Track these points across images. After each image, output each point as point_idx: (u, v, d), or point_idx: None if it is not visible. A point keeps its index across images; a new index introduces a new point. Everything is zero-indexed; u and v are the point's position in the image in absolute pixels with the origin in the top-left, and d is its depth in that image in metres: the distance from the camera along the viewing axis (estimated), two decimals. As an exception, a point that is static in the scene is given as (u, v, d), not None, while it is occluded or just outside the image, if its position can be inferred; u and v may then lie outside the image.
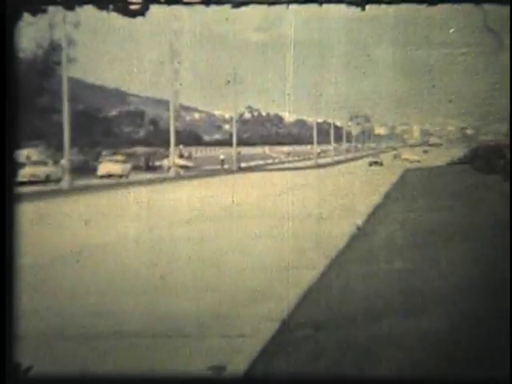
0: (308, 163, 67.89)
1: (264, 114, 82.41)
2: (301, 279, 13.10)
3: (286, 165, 70.15)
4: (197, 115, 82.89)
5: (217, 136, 79.17)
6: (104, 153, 60.86)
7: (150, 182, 46.77)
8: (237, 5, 5.79)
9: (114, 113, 73.54)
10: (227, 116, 77.65)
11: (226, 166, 63.43)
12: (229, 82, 64.79)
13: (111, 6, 5.63)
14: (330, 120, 76.67)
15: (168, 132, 58.43)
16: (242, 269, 14.47)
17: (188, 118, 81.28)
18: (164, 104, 64.42)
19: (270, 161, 75.42)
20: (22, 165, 48.48)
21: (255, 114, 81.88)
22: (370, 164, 65.31)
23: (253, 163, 69.11)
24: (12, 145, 5.13)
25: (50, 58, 60.70)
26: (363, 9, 5.76)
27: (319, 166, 64.36)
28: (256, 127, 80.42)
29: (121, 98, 73.96)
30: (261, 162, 71.74)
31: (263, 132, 79.71)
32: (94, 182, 46.76)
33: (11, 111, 5.07)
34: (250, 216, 24.62)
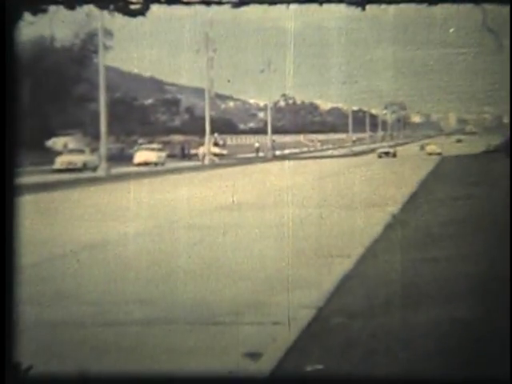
0: (343, 151, 67.70)
1: (299, 101, 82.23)
2: (336, 267, 13.15)
3: (321, 153, 69.97)
4: (232, 103, 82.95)
5: (251, 124, 79.18)
6: (140, 141, 61.19)
7: (186, 169, 46.94)
8: (237, 5, 5.81)
9: (149, 101, 73.83)
10: (262, 104, 77.61)
11: (260, 154, 63.46)
12: (263, 70, 64.72)
13: (112, 6, 5.65)
14: (365, 108, 76.29)
15: (203, 120, 58.56)
16: (277, 256, 14.53)
17: (223, 106, 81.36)
18: (199, 92, 64.54)
19: (305, 149, 75.29)
20: (60, 153, 48.96)
21: (290, 101, 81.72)
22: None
23: (287, 151, 69.02)
24: (12, 145, 5.18)
25: (87, 47, 61.04)
26: (363, 9, 5.77)
27: (354, 154, 64.12)
28: (291, 115, 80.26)
29: (157, 87, 74.21)
30: (295, 150, 71.65)
31: (298, 120, 79.56)
32: (131, 169, 47.03)
33: (11, 111, 5.12)
34: (285, 204, 24.66)
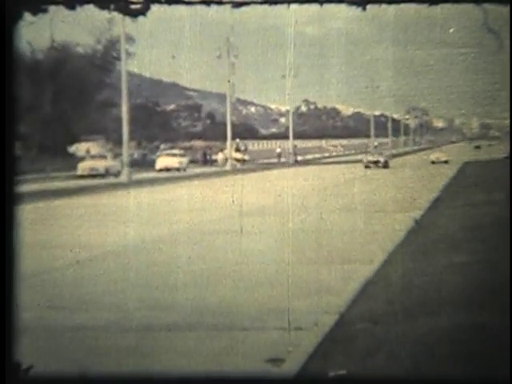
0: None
1: (320, 106, 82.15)
2: (358, 273, 13.12)
3: (343, 158, 69.85)
4: (253, 109, 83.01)
5: (273, 129, 79.20)
6: (162, 146, 61.36)
7: (208, 175, 47.00)
8: (237, 5, 5.80)
9: (171, 107, 74.04)
10: (283, 109, 77.62)
11: (282, 160, 63.46)
12: (285, 76, 64.73)
13: (112, 6, 5.65)
14: (387, 113, 76.10)
15: (225, 126, 58.67)
16: (299, 261, 14.52)
17: (244, 111, 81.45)
18: (221, 98, 64.66)
19: (327, 154, 75.22)
20: (82, 159, 49.19)
21: (311, 107, 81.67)
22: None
23: (309, 156, 69.00)
24: (12, 145, 5.17)
25: (109, 53, 61.33)
26: (364, 9, 5.75)
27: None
28: (312, 120, 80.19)
29: (178, 92, 74.42)
30: (317, 155, 71.61)
31: (319, 125, 79.48)
32: (153, 175, 47.17)
33: (11, 111, 5.11)
34: (307, 209, 24.64)
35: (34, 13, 5.45)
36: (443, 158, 53.50)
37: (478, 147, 70.46)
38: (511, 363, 6.61)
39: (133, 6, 5.73)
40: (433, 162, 52.57)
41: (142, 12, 5.74)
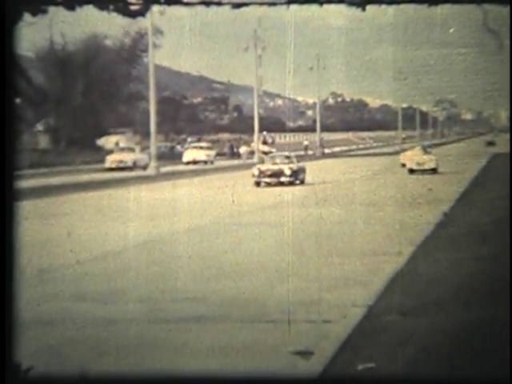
0: (392, 149, 67.26)
1: (348, 99, 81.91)
2: (387, 265, 13.09)
3: (370, 150, 69.62)
4: (280, 101, 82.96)
5: (300, 122, 79.12)
6: (189, 139, 61.50)
7: (235, 168, 47.05)
8: (236, 5, 5.79)
9: (198, 99, 74.17)
10: (310, 102, 77.48)
11: (309, 152, 63.38)
12: (312, 67, 64.61)
13: (111, 7, 5.64)
14: (415, 105, 75.76)
15: (252, 118, 58.66)
16: (327, 254, 14.52)
17: (271, 104, 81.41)
18: (248, 90, 64.69)
19: (354, 146, 75.01)
20: (110, 151, 49.41)
21: (339, 99, 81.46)
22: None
23: (336, 149, 68.83)
24: (12, 145, 5.17)
25: (137, 46, 61.49)
26: (364, 9, 5.73)
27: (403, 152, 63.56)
28: (339, 113, 79.99)
29: (206, 85, 74.52)
30: (344, 148, 71.42)
31: (347, 118, 79.26)
32: (180, 168, 47.29)
33: (11, 111, 5.12)
34: (335, 201, 24.60)
35: (34, 13, 5.46)
36: (428, 165, 38.19)
37: (491, 144, 57.86)
38: (511, 363, 6.58)
39: (132, 7, 5.74)
40: (411, 171, 37.95)
41: (141, 13, 5.75)
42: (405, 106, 74.72)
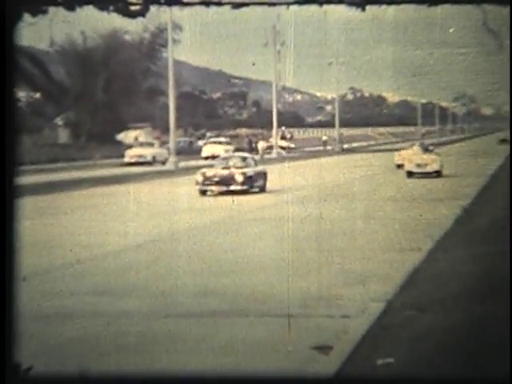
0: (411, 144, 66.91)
1: (367, 94, 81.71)
2: (406, 261, 13.09)
3: (389, 146, 69.42)
4: (299, 96, 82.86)
5: (319, 117, 79.00)
6: (208, 134, 61.59)
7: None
8: (236, 6, 5.80)
9: (217, 95, 74.24)
10: (329, 97, 77.36)
11: (328, 148, 63.29)
12: (331, 63, 64.50)
13: (111, 7, 5.66)
14: (434, 101, 75.48)
15: (270, 113, 58.64)
16: (345, 250, 14.52)
17: (290, 99, 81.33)
18: (267, 86, 64.65)
19: (373, 142, 74.82)
20: (130, 146, 49.58)
21: (358, 94, 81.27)
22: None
23: (355, 144, 68.69)
24: (12, 147, 5.17)
25: (157, 41, 61.60)
26: (363, 9, 5.74)
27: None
28: (358, 108, 79.81)
29: (224, 80, 74.56)
30: (363, 143, 71.28)
31: (366, 113, 79.07)
32: (199, 163, 47.35)
33: (11, 111, 5.13)
34: (353, 197, 24.59)
35: (34, 13, 5.49)
36: (431, 167, 32.80)
37: (504, 141, 49.99)
38: (511, 363, 6.58)
39: (132, 7, 5.76)
40: (410, 174, 32.68)
41: (141, 13, 5.77)
42: (424, 101, 74.48)
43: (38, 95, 61.73)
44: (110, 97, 59.27)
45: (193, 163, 45.62)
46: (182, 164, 43.99)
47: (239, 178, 26.64)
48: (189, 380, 6.63)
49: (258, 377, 7.12)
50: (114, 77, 59.51)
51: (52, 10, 5.63)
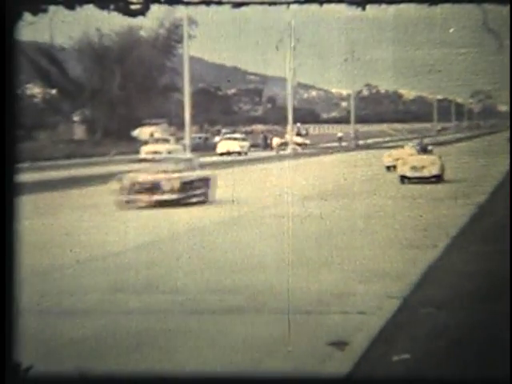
0: (426, 141, 66.81)
1: (382, 90, 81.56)
2: (422, 258, 13.07)
3: (405, 142, 69.23)
4: (314, 93, 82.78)
5: (334, 113, 78.90)
6: (223, 130, 61.64)
7: (268, 159, 47.09)
8: (236, 5, 5.81)
9: (232, 91, 74.28)
10: (345, 93, 77.24)
11: (343, 144, 63.17)
12: (346, 59, 64.38)
13: (112, 6, 5.67)
14: (450, 97, 75.25)
15: (285, 110, 58.62)
16: (361, 246, 14.52)
17: (305, 95, 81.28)
18: (282, 82, 64.62)
19: (388, 138, 74.66)
20: (145, 142, 49.71)
21: (373, 91, 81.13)
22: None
23: (371, 141, 68.55)
24: (12, 149, 5.17)
25: (172, 37, 61.66)
26: (363, 9, 5.73)
27: (440, 144, 63.12)
28: (374, 104, 79.66)
29: (239, 76, 74.57)
30: (379, 140, 71.11)
31: (381, 109, 78.91)
32: (214, 159, 47.42)
33: (11, 111, 5.13)
34: (370, 193, 24.55)
35: (34, 13, 5.50)
36: (430, 170, 27.41)
37: None
38: (511, 363, 6.56)
39: (132, 7, 5.78)
40: (404, 179, 27.56)
41: (142, 12, 5.79)
42: (440, 97, 74.26)
43: (54, 91, 61.95)
44: (126, 93, 59.42)
45: (208, 159, 45.71)
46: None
47: (167, 186, 21.56)
48: (189, 380, 6.61)
49: (262, 377, 7.09)
50: (130, 73, 59.65)
51: (53, 8, 5.65)
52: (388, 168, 31.97)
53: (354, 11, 5.64)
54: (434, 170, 27.56)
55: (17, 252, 5.18)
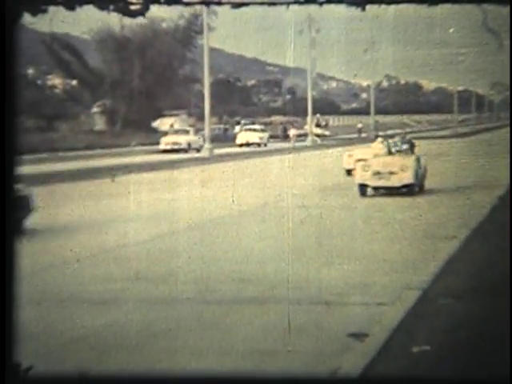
0: (447, 132, 66.58)
1: (402, 81, 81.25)
2: (441, 249, 13.06)
3: (425, 133, 69.04)
4: (334, 84, 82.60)
5: (354, 104, 78.74)
6: (243, 122, 61.69)
7: (288, 150, 47.09)
8: (236, 5, 5.81)
9: (252, 82, 74.26)
10: (364, 84, 77.03)
11: (363, 135, 63.08)
12: (366, 50, 64.18)
13: (111, 6, 5.69)
14: (471, 88, 74.85)
15: (305, 101, 58.57)
16: (381, 238, 14.52)
17: (325, 86, 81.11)
18: (301, 73, 64.53)
19: (408, 129, 74.45)
20: (165, 133, 49.85)
21: (393, 82, 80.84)
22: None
23: (390, 132, 68.41)
24: (12, 148, 5.18)
25: (192, 28, 61.72)
26: (363, 9, 5.73)
27: (460, 135, 62.89)
28: (394, 95, 79.40)
29: (259, 68, 74.53)
30: (399, 131, 70.93)
31: (401, 100, 78.66)
32: (233, 150, 47.49)
33: (11, 111, 5.13)
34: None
35: (34, 13, 5.52)
36: (401, 177, 20.67)
37: None
38: (511, 363, 6.55)
39: (132, 7, 5.80)
40: (364, 189, 21.09)
41: (141, 12, 5.82)
42: (461, 88, 73.92)
43: (74, 82, 62.14)
44: (146, 84, 59.57)
45: (228, 150, 45.75)
46: (217, 151, 44.10)
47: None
48: (189, 380, 6.62)
49: (262, 377, 7.08)
50: (150, 64, 59.77)
51: (53, 8, 5.68)
52: (349, 172, 24.70)
53: (353, 11, 5.64)
54: (406, 178, 20.36)
55: (17, 249, 5.16)
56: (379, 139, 23.90)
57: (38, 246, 13.77)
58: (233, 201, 20.03)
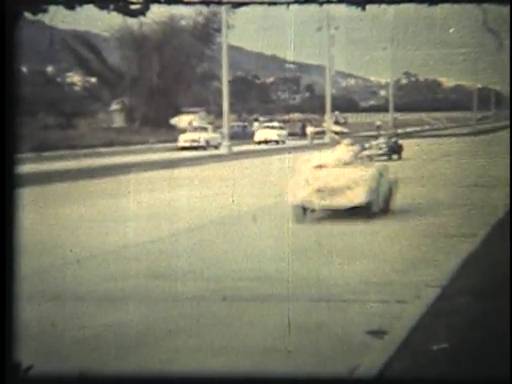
0: (466, 130, 66.27)
1: (422, 79, 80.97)
2: (460, 247, 13.03)
3: (444, 131, 68.75)
4: (352, 81, 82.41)
5: (372, 102, 78.52)
6: (261, 119, 61.66)
7: (306, 147, 47.06)
8: (236, 5, 5.81)
9: (271, 79, 74.23)
10: (383, 82, 76.80)
11: (382, 132, 62.89)
12: (386, 47, 64.00)
13: (112, 6, 5.68)
14: (490, 86, 74.50)
15: (324, 98, 58.46)
16: (399, 235, 14.49)
17: (344, 83, 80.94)
18: (320, 70, 64.43)
19: (427, 127, 74.15)
20: (183, 130, 49.93)
21: (412, 79, 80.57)
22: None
23: (409, 129, 68.14)
24: (12, 148, 5.17)
25: (210, 25, 61.74)
26: (363, 9, 5.72)
27: (479, 133, 62.59)
28: (413, 93, 79.13)
29: (278, 65, 74.50)
30: (417, 128, 70.66)
31: (420, 98, 78.36)
32: (252, 147, 47.50)
33: (11, 111, 5.13)
34: (408, 182, 24.43)
35: (34, 13, 5.53)
36: (350, 196, 15.95)
37: None
38: (511, 363, 6.53)
39: (132, 7, 5.80)
40: (302, 213, 16.31)
41: (142, 12, 5.82)
42: (480, 86, 73.58)
43: (93, 80, 62.35)
44: (165, 81, 59.66)
45: (246, 148, 45.77)
46: (236, 148, 44.12)
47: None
48: (190, 380, 6.62)
49: (262, 377, 7.05)
50: (169, 61, 59.85)
51: (53, 8, 5.68)
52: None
53: (353, 11, 5.65)
54: (357, 197, 15.78)
55: (18, 249, 5.16)
56: (345, 141, 17.96)
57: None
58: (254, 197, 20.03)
